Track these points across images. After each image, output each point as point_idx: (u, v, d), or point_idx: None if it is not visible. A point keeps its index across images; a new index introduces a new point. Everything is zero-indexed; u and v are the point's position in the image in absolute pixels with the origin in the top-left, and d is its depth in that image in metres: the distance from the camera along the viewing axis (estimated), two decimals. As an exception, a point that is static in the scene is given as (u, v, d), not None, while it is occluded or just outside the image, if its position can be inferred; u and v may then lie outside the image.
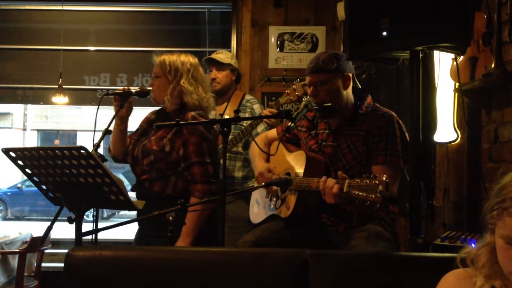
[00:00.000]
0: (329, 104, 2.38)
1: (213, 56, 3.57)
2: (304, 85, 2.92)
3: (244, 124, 3.37)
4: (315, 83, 2.41)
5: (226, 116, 3.28)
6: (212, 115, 3.49)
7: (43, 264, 4.12)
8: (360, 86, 3.51)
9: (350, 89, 2.45)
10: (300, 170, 2.38)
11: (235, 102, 3.59)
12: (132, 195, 2.30)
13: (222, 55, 3.59)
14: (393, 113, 2.44)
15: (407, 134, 2.36)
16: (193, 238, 2.42)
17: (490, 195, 1.19)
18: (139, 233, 2.66)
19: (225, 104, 3.55)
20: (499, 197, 1.15)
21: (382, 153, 2.32)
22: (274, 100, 3.19)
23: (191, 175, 2.49)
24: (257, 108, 3.59)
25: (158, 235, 2.33)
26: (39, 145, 16.05)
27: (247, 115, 3.52)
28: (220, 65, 3.53)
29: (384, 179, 1.84)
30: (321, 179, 2.11)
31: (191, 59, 2.65)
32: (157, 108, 2.79)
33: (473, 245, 2.32)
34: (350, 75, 2.45)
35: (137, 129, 2.76)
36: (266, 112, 3.17)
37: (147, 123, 2.73)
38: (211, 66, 3.55)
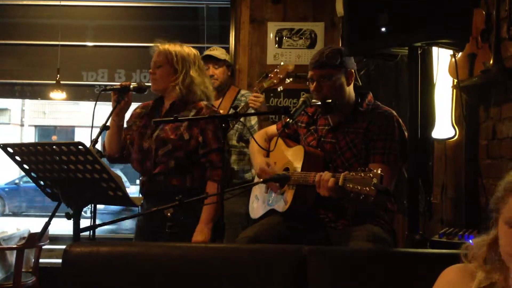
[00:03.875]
0: (330, 100, 2.37)
1: (209, 53, 3.56)
2: (288, 71, 2.96)
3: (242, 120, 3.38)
4: (318, 78, 2.39)
5: (221, 111, 3.28)
6: None
7: (41, 260, 4.13)
8: (360, 83, 3.51)
9: (352, 86, 2.45)
10: (298, 164, 2.38)
11: (230, 97, 3.59)
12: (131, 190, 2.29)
13: (217, 52, 3.58)
14: (393, 112, 2.43)
15: (406, 133, 2.36)
16: (212, 225, 2.48)
17: (494, 190, 1.23)
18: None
19: (220, 99, 3.55)
20: (507, 184, 1.19)
21: (380, 152, 2.31)
22: (261, 82, 3.21)
23: (209, 161, 2.55)
24: None
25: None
26: (36, 141, 16.06)
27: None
28: (216, 62, 3.53)
29: (378, 172, 1.85)
30: (318, 173, 2.11)
31: (193, 50, 2.70)
32: (141, 103, 2.80)
33: (470, 241, 2.33)
34: (353, 71, 2.45)
35: (130, 125, 2.72)
36: (252, 97, 3.22)
37: (142, 117, 2.70)
38: (207, 63, 3.51)
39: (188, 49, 2.67)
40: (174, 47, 2.63)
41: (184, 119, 2.47)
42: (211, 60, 3.52)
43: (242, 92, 3.65)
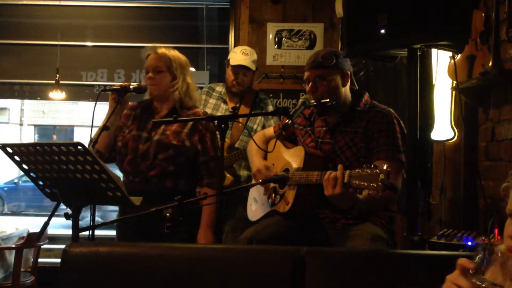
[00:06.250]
0: (327, 100, 2.38)
1: (243, 62, 3.40)
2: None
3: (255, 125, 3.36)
4: (313, 78, 2.41)
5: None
6: (222, 108, 3.48)
7: (39, 260, 4.13)
8: (357, 87, 3.51)
9: (348, 86, 2.46)
10: (299, 165, 2.38)
11: (249, 99, 3.52)
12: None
13: (249, 58, 3.45)
14: (391, 110, 2.44)
15: (405, 130, 2.37)
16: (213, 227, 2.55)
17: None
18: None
19: (238, 100, 3.49)
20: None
21: (383, 149, 2.32)
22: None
23: (207, 169, 2.61)
24: (271, 110, 3.54)
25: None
26: (36, 141, 16.06)
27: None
28: (248, 70, 3.44)
29: (385, 168, 1.83)
30: (323, 172, 2.10)
31: (184, 56, 2.74)
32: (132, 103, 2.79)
33: (469, 242, 2.33)
34: (349, 72, 2.46)
35: (120, 126, 2.68)
36: None
37: (131, 118, 2.70)
38: (238, 70, 3.42)
39: (181, 55, 2.71)
40: (171, 53, 2.67)
41: (186, 120, 2.52)
42: (242, 68, 3.42)
43: (261, 96, 3.59)
